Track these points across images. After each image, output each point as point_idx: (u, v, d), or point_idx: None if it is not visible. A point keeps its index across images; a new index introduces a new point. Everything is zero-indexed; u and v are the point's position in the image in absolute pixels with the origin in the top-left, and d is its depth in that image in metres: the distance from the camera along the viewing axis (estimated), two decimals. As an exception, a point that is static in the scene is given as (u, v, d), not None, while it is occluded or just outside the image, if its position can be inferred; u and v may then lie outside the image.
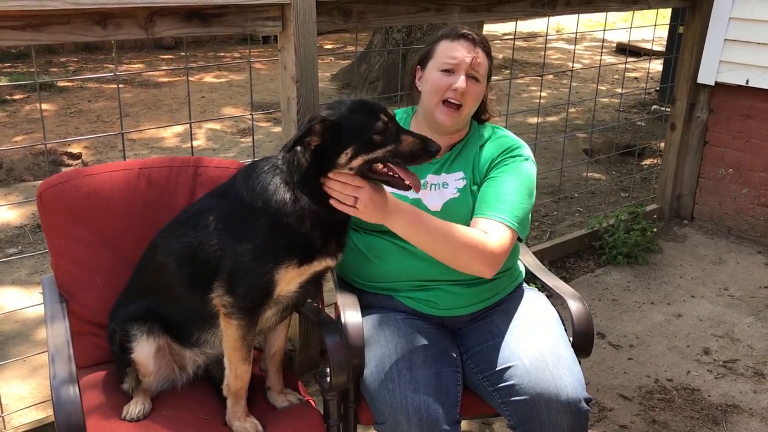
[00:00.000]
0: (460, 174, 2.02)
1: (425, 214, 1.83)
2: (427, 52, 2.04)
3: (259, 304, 1.75)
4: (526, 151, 2.05)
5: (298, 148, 1.70)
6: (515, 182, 1.96)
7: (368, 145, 1.67)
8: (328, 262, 1.81)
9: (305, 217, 1.72)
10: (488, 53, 2.02)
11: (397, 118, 2.10)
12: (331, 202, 1.70)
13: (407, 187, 1.70)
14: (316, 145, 1.67)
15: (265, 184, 1.75)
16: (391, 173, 1.70)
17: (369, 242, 2.04)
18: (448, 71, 1.96)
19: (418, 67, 2.08)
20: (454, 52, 1.96)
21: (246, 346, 1.78)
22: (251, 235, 1.73)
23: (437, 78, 1.97)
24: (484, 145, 2.06)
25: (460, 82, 1.94)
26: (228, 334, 1.77)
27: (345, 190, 1.68)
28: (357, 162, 1.67)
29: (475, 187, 2.01)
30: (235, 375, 1.80)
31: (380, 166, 1.70)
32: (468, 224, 1.97)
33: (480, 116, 2.14)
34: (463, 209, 1.98)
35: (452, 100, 1.96)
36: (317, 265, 1.78)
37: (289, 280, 1.75)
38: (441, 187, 2.02)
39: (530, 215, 2.04)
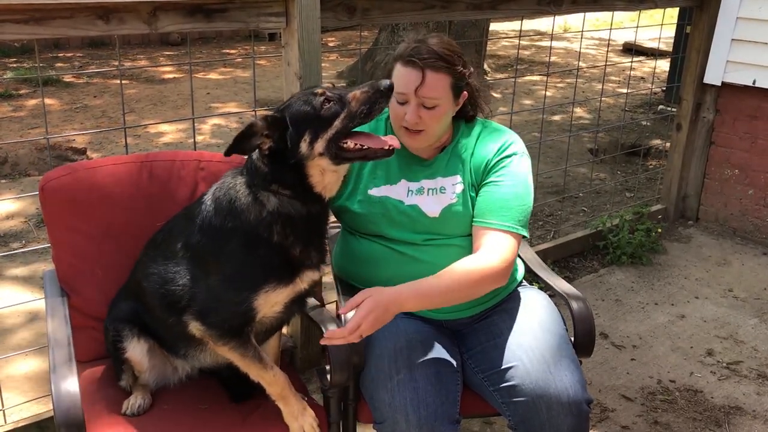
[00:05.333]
0: (458, 178, 1.98)
1: (426, 283, 1.76)
2: (388, 73, 1.96)
3: (240, 327, 1.71)
4: (519, 145, 2.01)
5: (254, 155, 1.64)
6: (515, 185, 1.94)
7: (322, 124, 1.60)
8: (312, 276, 1.76)
9: (275, 222, 1.65)
10: (446, 70, 1.88)
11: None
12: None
13: (387, 153, 1.66)
14: (269, 147, 1.61)
15: (231, 199, 1.69)
16: (362, 147, 1.65)
17: (364, 247, 2.02)
18: (401, 102, 1.89)
19: None
20: (401, 81, 1.87)
21: (253, 358, 1.74)
22: (223, 263, 1.68)
23: (393, 107, 1.91)
24: (476, 145, 2.00)
25: (409, 114, 1.87)
26: (227, 357, 1.75)
27: (351, 339, 1.66)
28: (320, 146, 1.61)
29: (473, 193, 1.97)
30: (267, 383, 1.77)
31: (349, 143, 1.64)
32: (468, 228, 1.95)
33: (467, 114, 2.04)
34: (462, 214, 1.96)
35: (410, 128, 1.90)
36: (300, 283, 1.73)
37: (272, 304, 1.71)
38: (438, 192, 1.97)
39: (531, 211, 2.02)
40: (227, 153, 1.60)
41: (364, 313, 1.65)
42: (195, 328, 1.72)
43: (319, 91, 1.63)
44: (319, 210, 1.72)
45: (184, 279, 1.73)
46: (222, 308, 1.69)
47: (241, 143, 1.58)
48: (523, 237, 1.95)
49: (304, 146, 1.60)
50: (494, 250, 1.86)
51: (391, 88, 1.64)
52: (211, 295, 1.69)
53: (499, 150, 1.98)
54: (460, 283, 1.80)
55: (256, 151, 1.65)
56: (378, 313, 1.66)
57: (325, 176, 1.67)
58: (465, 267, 1.82)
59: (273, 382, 1.76)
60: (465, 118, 2.05)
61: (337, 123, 1.61)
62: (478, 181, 1.98)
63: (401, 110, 1.89)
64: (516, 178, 1.95)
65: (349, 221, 2.05)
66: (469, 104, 2.03)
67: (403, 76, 1.88)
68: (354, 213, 1.99)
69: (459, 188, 1.97)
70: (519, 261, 2.20)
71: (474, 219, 1.95)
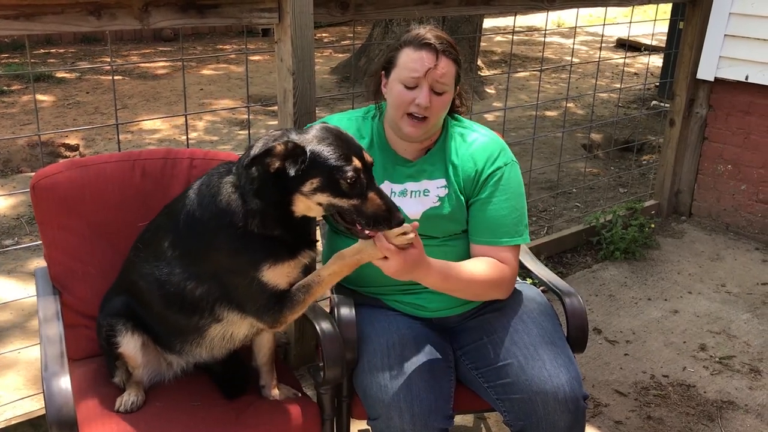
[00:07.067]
0: (442, 182, 1.96)
1: (453, 267, 1.81)
2: (390, 59, 1.93)
3: (277, 302, 1.69)
4: (507, 153, 2.00)
5: (253, 167, 1.61)
6: (511, 198, 1.95)
7: (334, 189, 1.58)
8: (311, 254, 1.74)
9: (252, 216, 1.63)
10: (455, 59, 1.91)
11: (361, 116, 2.05)
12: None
13: (368, 237, 1.63)
14: (276, 168, 1.57)
15: (215, 195, 1.68)
16: (354, 225, 1.62)
17: (347, 246, 2.01)
18: (412, 86, 1.86)
19: (383, 73, 1.98)
20: (415, 64, 1.85)
21: (308, 295, 1.69)
22: (217, 254, 1.68)
23: (400, 92, 1.88)
24: (460, 150, 1.98)
25: (422, 98, 1.84)
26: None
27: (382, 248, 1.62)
28: (322, 198, 1.59)
29: (462, 198, 1.96)
30: (335, 277, 1.70)
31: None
32: (450, 229, 1.96)
33: (454, 107, 2.03)
34: (443, 218, 1.95)
35: (416, 114, 1.87)
36: (301, 258, 1.71)
37: (286, 273, 1.68)
38: (422, 195, 1.96)
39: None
40: (247, 166, 1.60)
41: (403, 258, 1.63)
42: (256, 324, 1.74)
43: (358, 165, 1.59)
44: (305, 229, 1.73)
45: (179, 276, 1.72)
46: (251, 294, 1.67)
47: (258, 162, 1.58)
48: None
49: (308, 186, 1.58)
50: (507, 262, 1.92)
51: (400, 224, 1.60)
52: (229, 287, 1.69)
53: (488, 161, 1.96)
54: (475, 284, 1.87)
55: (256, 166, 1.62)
56: (408, 263, 1.64)
57: (309, 211, 1.66)
58: (486, 269, 1.89)
59: (335, 273, 1.70)
60: (451, 112, 2.03)
61: (345, 202, 1.59)
62: (469, 190, 1.96)
63: (409, 96, 1.87)
64: (508, 191, 1.95)
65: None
66: (458, 98, 2.03)
67: (417, 59, 1.86)
68: None
69: (443, 192, 1.96)
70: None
71: (475, 237, 1.96)
